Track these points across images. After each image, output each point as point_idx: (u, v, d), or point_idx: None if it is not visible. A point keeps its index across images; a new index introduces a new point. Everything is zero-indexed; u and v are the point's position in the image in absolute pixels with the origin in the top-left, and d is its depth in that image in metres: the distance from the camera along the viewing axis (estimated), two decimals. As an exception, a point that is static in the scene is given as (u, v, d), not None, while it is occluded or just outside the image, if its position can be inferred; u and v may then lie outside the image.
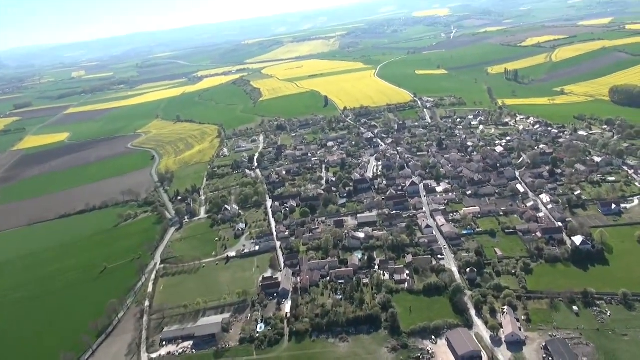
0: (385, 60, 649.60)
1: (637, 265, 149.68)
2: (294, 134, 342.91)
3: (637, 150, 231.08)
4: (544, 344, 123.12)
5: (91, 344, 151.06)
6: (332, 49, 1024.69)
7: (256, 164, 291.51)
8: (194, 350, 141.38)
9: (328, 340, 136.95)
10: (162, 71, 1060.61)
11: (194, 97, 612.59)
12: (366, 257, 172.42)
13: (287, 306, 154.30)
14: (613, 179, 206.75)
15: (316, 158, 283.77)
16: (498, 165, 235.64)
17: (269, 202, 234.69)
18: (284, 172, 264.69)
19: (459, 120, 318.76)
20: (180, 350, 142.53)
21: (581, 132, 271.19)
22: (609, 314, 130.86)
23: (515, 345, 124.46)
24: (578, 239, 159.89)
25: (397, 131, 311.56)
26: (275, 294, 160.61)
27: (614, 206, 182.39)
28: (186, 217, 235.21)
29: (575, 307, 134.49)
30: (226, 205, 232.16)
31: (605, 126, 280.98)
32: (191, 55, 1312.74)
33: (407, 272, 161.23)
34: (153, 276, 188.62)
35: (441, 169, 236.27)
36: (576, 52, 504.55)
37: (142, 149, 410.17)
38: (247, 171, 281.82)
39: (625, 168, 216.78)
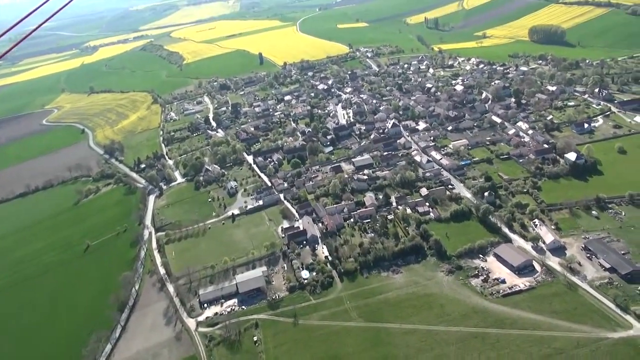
0: (300, 17, 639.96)
1: (627, 171, 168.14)
2: (241, 92, 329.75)
3: (580, 78, 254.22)
4: (583, 245, 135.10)
5: (118, 319, 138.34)
6: (234, 10, 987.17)
7: (214, 124, 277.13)
8: (243, 307, 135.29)
9: (381, 274, 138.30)
10: (45, 44, 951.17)
11: (100, 67, 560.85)
12: (381, 196, 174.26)
13: (323, 250, 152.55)
14: (572, 103, 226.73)
15: (278, 112, 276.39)
16: (464, 101, 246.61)
17: (249, 159, 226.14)
18: (252, 129, 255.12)
19: (406, 66, 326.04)
20: (228, 309, 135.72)
21: (523, 68, 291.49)
22: (623, 214, 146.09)
23: (559, 250, 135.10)
24: (572, 155, 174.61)
25: (350, 80, 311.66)
26: (304, 242, 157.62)
27: (586, 125, 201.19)
28: (161, 183, 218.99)
29: (594, 212, 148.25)
30: (206, 166, 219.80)
31: (540, 61, 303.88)
32: (73, 25, 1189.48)
33: (427, 203, 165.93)
34: (155, 245, 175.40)
35: (415, 110, 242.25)
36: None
37: (64, 124, 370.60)
38: (209, 132, 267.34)
39: (577, 94, 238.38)
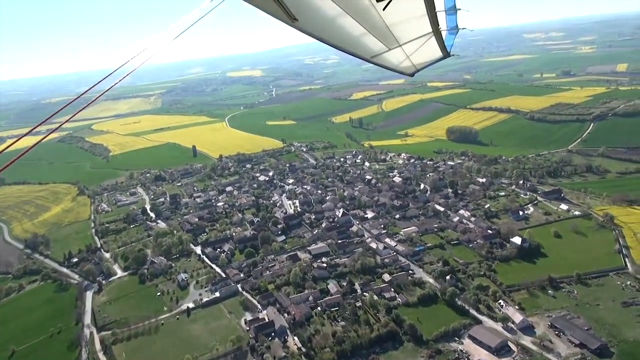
0: (227, 114, 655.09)
1: (567, 253, 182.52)
2: (178, 184, 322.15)
3: (502, 172, 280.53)
4: (549, 323, 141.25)
5: None
6: (155, 106, 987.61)
7: (153, 215, 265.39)
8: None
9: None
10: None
11: (11, 159, 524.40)
12: (345, 284, 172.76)
13: (293, 342, 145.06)
14: (503, 194, 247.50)
15: (222, 203, 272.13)
16: (405, 192, 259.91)
17: (197, 249, 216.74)
18: (197, 219, 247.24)
19: (342, 159, 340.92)
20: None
21: (450, 162, 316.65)
22: (575, 292, 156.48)
23: (528, 329, 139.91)
24: (518, 240, 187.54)
25: (290, 172, 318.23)
26: (272, 334, 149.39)
27: (520, 213, 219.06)
28: (98, 278, 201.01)
29: (550, 292, 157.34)
30: (151, 258, 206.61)
31: (463, 157, 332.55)
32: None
33: (392, 289, 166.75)
34: (98, 346, 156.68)
35: (360, 199, 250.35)
36: (400, 103, 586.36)
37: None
38: (149, 223, 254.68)
39: (504, 185, 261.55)
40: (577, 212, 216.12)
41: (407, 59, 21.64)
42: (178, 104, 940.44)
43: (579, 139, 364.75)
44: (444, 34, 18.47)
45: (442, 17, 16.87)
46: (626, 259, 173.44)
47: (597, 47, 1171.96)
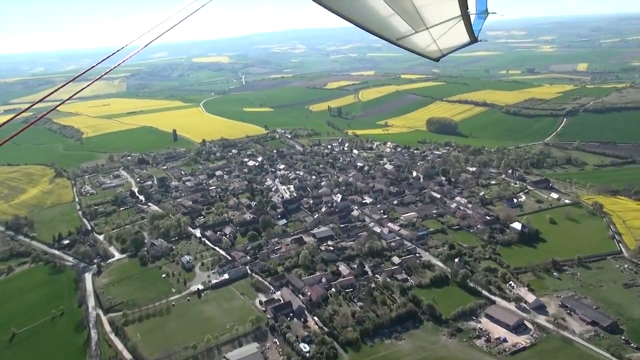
0: (200, 99, 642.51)
1: (564, 238, 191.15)
2: (164, 167, 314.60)
3: (490, 162, 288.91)
4: (560, 303, 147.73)
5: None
6: (120, 90, 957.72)
7: (143, 198, 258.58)
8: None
9: (384, 342, 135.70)
10: None
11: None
12: (355, 266, 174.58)
13: (313, 322, 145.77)
14: (494, 182, 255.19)
15: (213, 187, 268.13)
16: (399, 179, 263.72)
17: (197, 232, 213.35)
18: (191, 202, 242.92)
19: (329, 147, 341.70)
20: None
21: (436, 152, 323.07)
22: (579, 274, 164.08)
23: (541, 309, 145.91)
24: (518, 225, 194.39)
25: (279, 158, 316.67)
26: (290, 314, 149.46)
27: (515, 200, 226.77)
28: (95, 260, 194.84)
29: (555, 274, 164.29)
30: (152, 241, 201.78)
31: (447, 147, 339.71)
32: None
33: (404, 271, 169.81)
34: (108, 328, 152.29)
35: (356, 185, 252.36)
36: (377, 94, 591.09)
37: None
38: (140, 205, 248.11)
39: (494, 174, 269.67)
40: (567, 201, 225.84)
41: (434, 42, 21.18)
42: (145, 89, 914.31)
43: (554, 133, 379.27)
44: (472, 17, 18.21)
45: (472, 0, 16.60)
46: (620, 245, 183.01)
47: (557, 46, 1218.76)
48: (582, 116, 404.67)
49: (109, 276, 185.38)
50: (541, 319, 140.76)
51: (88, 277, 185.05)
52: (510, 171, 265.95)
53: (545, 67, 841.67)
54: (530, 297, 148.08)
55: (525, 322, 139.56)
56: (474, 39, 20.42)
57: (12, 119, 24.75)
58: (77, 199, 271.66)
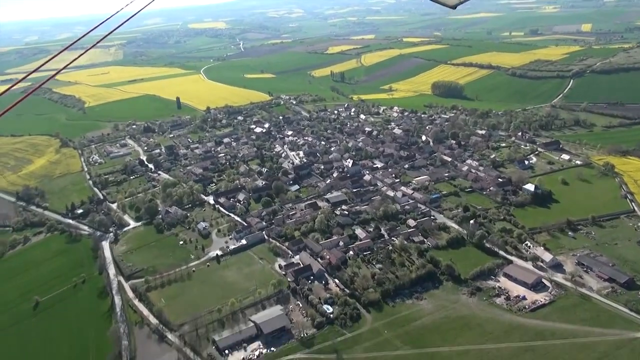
0: (200, 66, 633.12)
1: (577, 198, 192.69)
2: (170, 135, 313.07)
3: (499, 124, 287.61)
4: (576, 261, 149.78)
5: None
6: (117, 58, 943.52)
7: (152, 166, 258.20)
8: (273, 349, 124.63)
9: (405, 302, 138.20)
10: None
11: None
12: (371, 229, 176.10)
13: (334, 284, 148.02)
14: (504, 145, 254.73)
15: (222, 154, 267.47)
16: (408, 143, 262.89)
17: (210, 199, 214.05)
18: (201, 170, 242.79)
19: (336, 112, 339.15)
20: (257, 353, 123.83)
21: (444, 116, 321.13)
22: (593, 233, 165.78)
23: (558, 267, 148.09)
24: (531, 187, 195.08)
25: (286, 124, 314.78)
26: (311, 277, 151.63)
27: (526, 162, 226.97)
28: (111, 229, 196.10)
29: (570, 233, 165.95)
30: (167, 208, 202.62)
31: (454, 110, 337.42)
32: None
33: (420, 233, 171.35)
34: (131, 294, 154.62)
35: (366, 150, 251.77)
36: (380, 58, 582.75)
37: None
38: (150, 174, 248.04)
39: (503, 136, 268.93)
40: (578, 162, 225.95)
41: None
42: (142, 56, 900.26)
43: (561, 95, 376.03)
44: None
45: None
46: (633, 204, 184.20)
47: (560, 7, 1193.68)
48: (589, 77, 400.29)
49: (126, 244, 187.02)
50: (558, 277, 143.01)
51: (105, 245, 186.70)
52: (520, 133, 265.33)
53: (549, 29, 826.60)
54: (547, 256, 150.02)
55: (543, 280, 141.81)
56: None
57: (9, 88, 24.06)
58: (85, 169, 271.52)
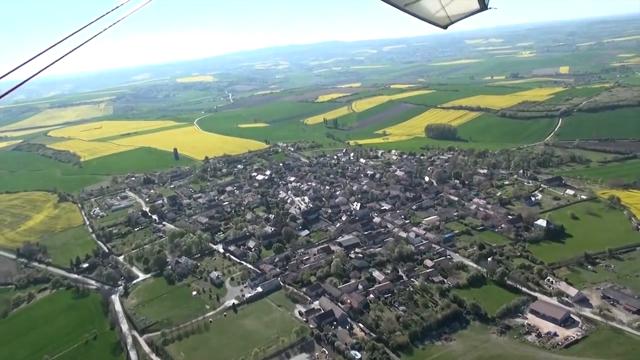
0: (193, 118, 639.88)
1: (589, 232, 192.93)
2: (171, 186, 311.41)
3: (499, 162, 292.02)
4: (601, 294, 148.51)
5: None
6: (107, 113, 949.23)
7: (156, 218, 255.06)
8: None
9: (435, 344, 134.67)
10: None
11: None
12: (389, 271, 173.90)
13: (359, 329, 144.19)
14: (507, 182, 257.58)
15: (226, 202, 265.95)
16: (412, 185, 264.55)
17: (219, 248, 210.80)
18: (207, 219, 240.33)
19: (335, 157, 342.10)
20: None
21: (442, 157, 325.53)
22: (612, 266, 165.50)
23: (584, 302, 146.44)
24: (543, 222, 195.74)
25: (288, 170, 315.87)
26: (334, 322, 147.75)
27: (532, 198, 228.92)
28: (120, 282, 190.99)
29: (590, 267, 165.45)
30: (176, 259, 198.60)
31: (451, 152, 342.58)
32: None
33: (439, 273, 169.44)
34: (147, 349, 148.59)
35: (372, 193, 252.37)
36: (370, 104, 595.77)
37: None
38: (155, 225, 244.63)
39: (505, 175, 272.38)
40: (584, 196, 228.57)
41: (443, 9, 21.10)
42: (133, 110, 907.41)
43: (552, 133, 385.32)
44: None
45: None
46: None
47: (536, 51, 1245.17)
48: (577, 116, 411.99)
49: (137, 297, 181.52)
50: (587, 312, 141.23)
51: (115, 299, 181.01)
52: (521, 171, 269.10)
53: (528, 72, 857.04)
54: (572, 291, 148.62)
55: (572, 315, 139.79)
56: (483, 6, 19.77)
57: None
58: (87, 222, 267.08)
